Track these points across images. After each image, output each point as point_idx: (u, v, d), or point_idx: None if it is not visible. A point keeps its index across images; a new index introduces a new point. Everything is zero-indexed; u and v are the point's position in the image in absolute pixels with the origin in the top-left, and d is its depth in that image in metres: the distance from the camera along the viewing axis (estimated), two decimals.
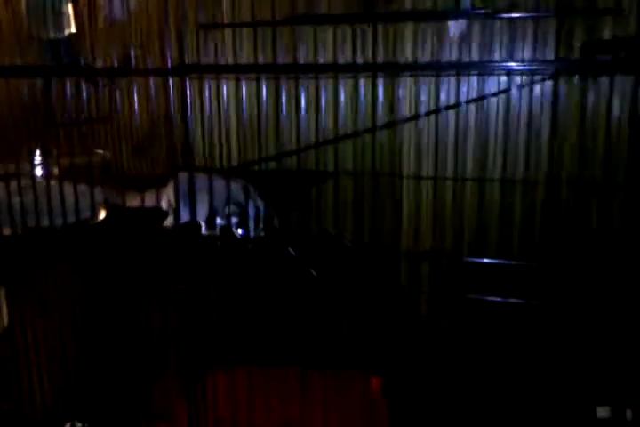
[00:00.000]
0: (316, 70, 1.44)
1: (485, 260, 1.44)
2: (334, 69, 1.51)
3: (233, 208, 1.37)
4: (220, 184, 1.37)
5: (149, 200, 1.48)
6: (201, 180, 1.29)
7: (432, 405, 1.72)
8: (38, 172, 1.32)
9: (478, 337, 1.76)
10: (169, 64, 1.05)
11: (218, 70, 1.17)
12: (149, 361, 1.77)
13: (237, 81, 1.56)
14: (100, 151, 1.52)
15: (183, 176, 1.44)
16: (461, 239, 1.80)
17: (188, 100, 1.11)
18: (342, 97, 1.74)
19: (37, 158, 1.46)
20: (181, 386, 1.55)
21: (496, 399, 1.69)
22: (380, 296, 1.81)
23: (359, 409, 1.46)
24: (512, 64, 1.11)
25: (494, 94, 1.73)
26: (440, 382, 1.76)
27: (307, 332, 1.73)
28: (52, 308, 1.60)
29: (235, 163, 1.84)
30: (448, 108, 1.80)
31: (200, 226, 1.43)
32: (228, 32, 1.77)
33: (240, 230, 1.39)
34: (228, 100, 1.34)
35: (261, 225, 1.40)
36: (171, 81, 1.05)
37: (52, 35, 1.68)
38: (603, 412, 1.57)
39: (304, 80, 1.49)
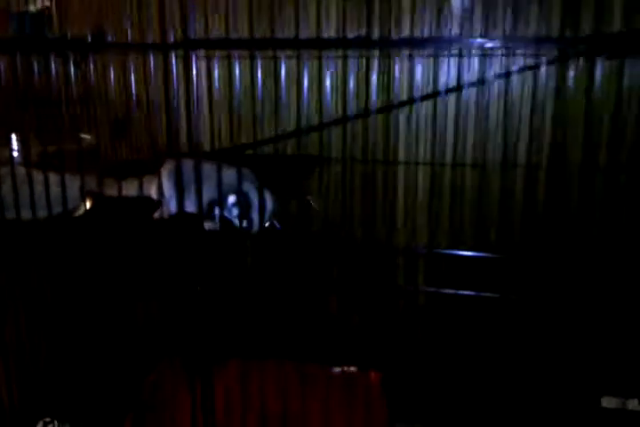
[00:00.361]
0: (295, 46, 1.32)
1: (461, 252, 1.38)
2: (318, 46, 1.39)
3: (235, 199, 1.25)
4: (223, 172, 1.25)
5: (143, 189, 1.35)
6: (189, 167, 1.17)
7: (431, 398, 1.70)
8: (15, 158, 1.18)
9: (475, 330, 1.72)
10: (171, 38, 0.92)
11: (225, 46, 1.04)
12: (137, 354, 1.66)
13: (229, 59, 1.44)
14: (85, 136, 1.38)
15: (171, 164, 1.32)
16: (461, 229, 1.73)
17: (194, 78, 0.99)
18: (328, 78, 1.65)
19: (14, 143, 1.32)
20: (184, 378, 1.43)
21: (498, 392, 1.67)
22: (375, 292, 1.73)
23: (358, 402, 1.43)
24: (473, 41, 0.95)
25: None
26: (438, 375, 1.73)
27: (305, 326, 1.65)
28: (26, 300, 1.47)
29: (225, 147, 1.75)
30: (448, 91, 1.71)
31: (200, 217, 1.31)
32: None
33: (244, 223, 1.27)
34: (219, 80, 1.25)
35: (268, 218, 1.28)
36: (174, 57, 0.92)
37: (21, 7, 1.54)
38: (607, 402, 1.58)
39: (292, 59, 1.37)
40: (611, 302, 1.46)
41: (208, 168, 1.23)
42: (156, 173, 1.39)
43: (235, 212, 1.26)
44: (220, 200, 1.23)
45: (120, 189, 1.35)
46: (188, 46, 1.17)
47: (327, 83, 1.62)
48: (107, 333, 1.66)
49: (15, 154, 1.25)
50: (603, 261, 1.48)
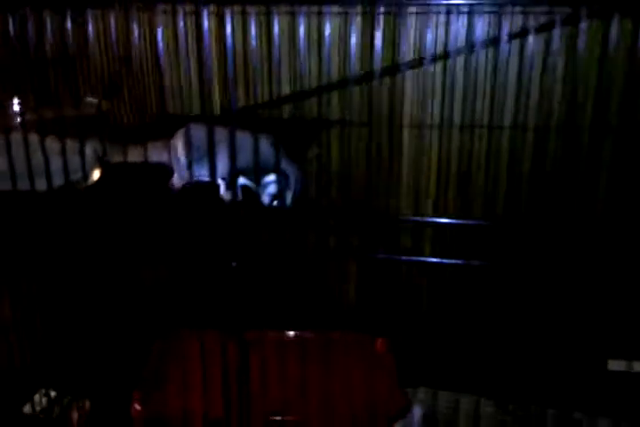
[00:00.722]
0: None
1: (444, 220, 1.35)
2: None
3: (275, 178, 1.16)
4: (245, 139, 1.14)
5: (153, 155, 1.24)
6: (219, 132, 1.06)
7: (432, 360, 1.67)
8: (14, 123, 1.06)
9: (479, 293, 1.64)
10: None
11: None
12: (142, 325, 1.59)
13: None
14: (91, 99, 1.27)
15: (195, 128, 1.21)
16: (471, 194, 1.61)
17: (205, 36, 0.87)
18: (328, 37, 1.50)
19: (14, 107, 1.21)
20: (190, 348, 1.36)
21: (503, 356, 1.64)
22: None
23: (366, 367, 1.43)
24: None
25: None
26: (440, 338, 1.69)
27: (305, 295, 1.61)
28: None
29: (217, 109, 1.61)
30: (459, 52, 1.57)
31: (217, 186, 1.20)
32: None
33: (275, 202, 1.17)
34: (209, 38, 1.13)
35: (295, 194, 1.18)
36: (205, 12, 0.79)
37: None
38: (614, 365, 1.57)
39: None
40: (617, 266, 1.38)
41: (237, 135, 1.12)
42: (168, 137, 1.28)
43: (271, 189, 1.17)
44: (257, 173, 1.13)
45: (128, 155, 1.25)
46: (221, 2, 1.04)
47: (327, 41, 1.49)
48: (111, 303, 1.57)
49: (17, 119, 1.13)
50: (610, 223, 1.45)
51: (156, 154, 1.27)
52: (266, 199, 1.21)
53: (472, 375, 1.66)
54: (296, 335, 1.51)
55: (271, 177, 1.18)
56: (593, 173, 1.52)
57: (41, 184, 1.02)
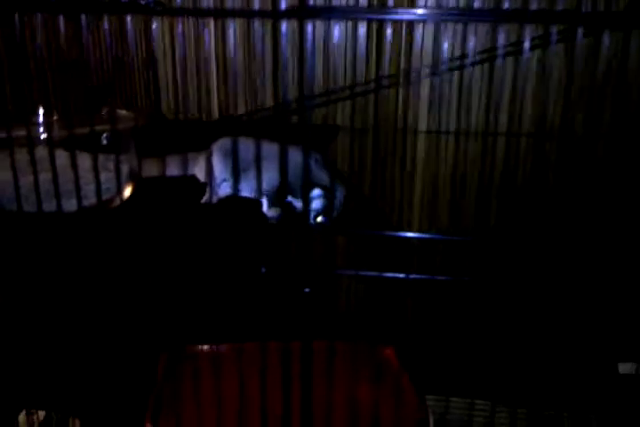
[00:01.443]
0: None
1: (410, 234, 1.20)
2: None
3: (322, 193, 1.05)
4: (290, 153, 1.04)
5: (179, 169, 1.15)
6: (266, 147, 0.96)
7: (438, 367, 1.61)
8: (39, 137, 0.97)
9: (484, 297, 1.60)
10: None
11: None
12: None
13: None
14: (126, 112, 1.17)
15: (233, 141, 1.11)
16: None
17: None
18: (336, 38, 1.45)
19: (39, 119, 1.12)
20: (202, 364, 1.23)
21: (512, 360, 1.59)
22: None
23: (376, 378, 1.30)
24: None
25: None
26: (446, 344, 1.65)
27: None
28: None
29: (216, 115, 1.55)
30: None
31: (259, 202, 1.10)
32: None
33: (322, 218, 1.06)
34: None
35: (338, 211, 1.08)
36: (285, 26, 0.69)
37: None
38: (624, 368, 1.55)
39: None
40: (624, 269, 1.31)
41: (273, 149, 1.03)
42: (202, 151, 1.19)
43: (316, 205, 1.06)
44: (305, 189, 1.02)
45: (163, 169, 1.15)
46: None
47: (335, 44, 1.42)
48: (112, 313, 1.47)
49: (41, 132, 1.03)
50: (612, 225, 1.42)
51: (183, 168, 1.18)
52: (310, 215, 1.10)
53: (483, 381, 1.60)
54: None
55: (316, 191, 1.07)
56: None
57: (68, 205, 0.93)
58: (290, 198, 1.10)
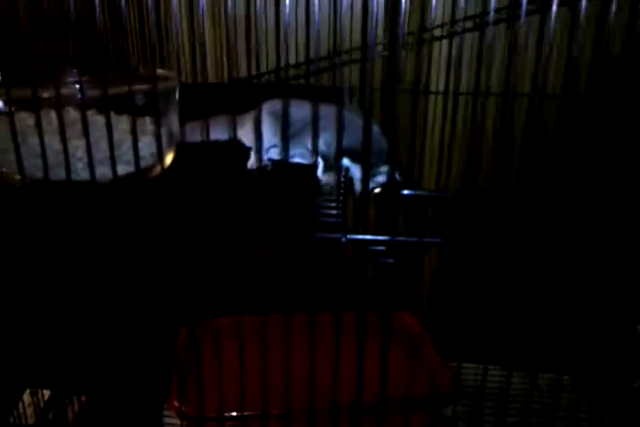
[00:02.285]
0: None
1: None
2: None
3: (384, 167, 0.93)
4: (351, 118, 0.92)
5: (238, 132, 1.04)
6: (323, 108, 0.84)
7: (460, 333, 1.57)
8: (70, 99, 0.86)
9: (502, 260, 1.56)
10: None
11: None
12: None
13: None
14: (164, 71, 1.05)
15: (284, 102, 1.00)
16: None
17: None
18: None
19: (72, 79, 1.01)
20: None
21: (530, 321, 1.56)
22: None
23: (401, 346, 1.29)
24: None
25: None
26: (465, 310, 1.62)
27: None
28: None
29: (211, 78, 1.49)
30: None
31: (314, 166, 0.99)
32: None
33: (378, 189, 0.95)
34: None
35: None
36: None
37: None
38: None
39: None
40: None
41: (330, 110, 0.91)
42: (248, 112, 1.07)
43: (380, 178, 0.94)
44: (366, 157, 0.90)
45: (206, 133, 1.04)
46: None
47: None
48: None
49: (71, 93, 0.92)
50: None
51: (228, 131, 1.07)
52: (371, 185, 0.99)
53: (496, 346, 1.58)
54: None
55: (384, 168, 0.95)
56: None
57: (101, 174, 0.83)
58: (348, 163, 0.98)
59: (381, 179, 0.94)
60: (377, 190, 0.98)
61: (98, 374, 1.31)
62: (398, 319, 1.36)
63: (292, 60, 1.49)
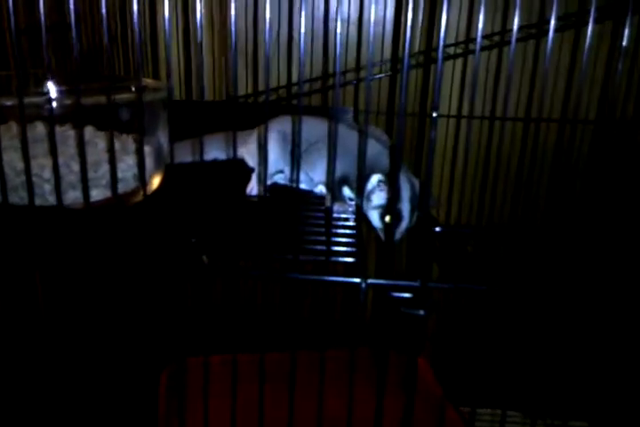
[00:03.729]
0: None
1: None
2: None
3: (382, 179, 0.78)
4: (349, 136, 0.80)
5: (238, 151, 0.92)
6: (316, 127, 0.72)
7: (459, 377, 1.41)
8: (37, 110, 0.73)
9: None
10: None
11: None
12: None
13: None
14: (150, 80, 0.93)
15: (288, 120, 0.88)
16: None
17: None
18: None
19: (49, 90, 0.89)
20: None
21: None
22: None
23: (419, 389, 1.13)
24: None
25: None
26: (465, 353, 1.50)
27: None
28: None
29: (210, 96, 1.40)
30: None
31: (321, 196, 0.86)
32: None
33: (386, 218, 0.79)
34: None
35: (414, 213, 0.79)
36: None
37: None
38: None
39: None
40: None
41: (342, 134, 0.79)
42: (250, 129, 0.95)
43: (377, 199, 0.79)
44: (359, 178, 0.77)
45: (200, 152, 0.92)
46: None
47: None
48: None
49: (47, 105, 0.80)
50: None
51: (227, 150, 0.95)
52: (373, 215, 0.82)
53: (510, 392, 1.45)
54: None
55: (374, 179, 0.79)
56: None
57: (72, 200, 0.70)
58: (345, 191, 0.84)
59: (380, 200, 0.78)
60: (387, 219, 0.82)
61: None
62: (410, 363, 1.23)
63: (304, 77, 1.40)
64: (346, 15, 1.35)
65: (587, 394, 1.48)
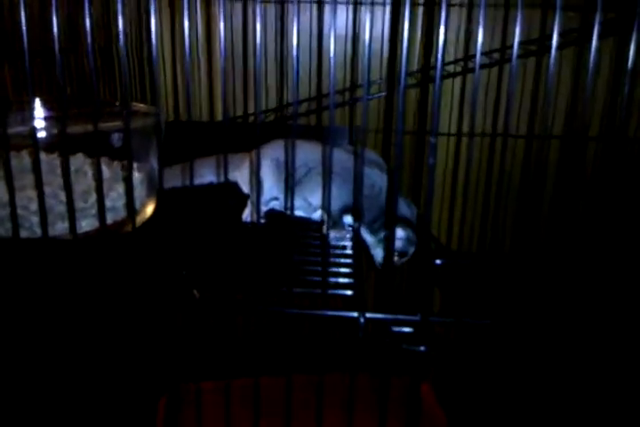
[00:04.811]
0: None
1: None
2: None
3: (401, 232, 0.77)
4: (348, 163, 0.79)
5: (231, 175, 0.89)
6: (314, 152, 0.71)
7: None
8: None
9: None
10: None
11: None
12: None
13: None
14: (143, 106, 0.91)
15: (280, 148, 0.86)
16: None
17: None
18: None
19: (37, 115, 0.88)
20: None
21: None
22: None
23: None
24: None
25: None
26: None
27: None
28: None
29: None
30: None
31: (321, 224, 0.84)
32: None
33: (398, 259, 0.78)
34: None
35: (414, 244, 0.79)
36: None
37: None
38: None
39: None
40: None
41: (339, 158, 0.77)
42: (246, 153, 0.93)
43: (397, 246, 0.78)
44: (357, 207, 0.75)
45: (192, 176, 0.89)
46: None
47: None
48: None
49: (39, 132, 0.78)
50: None
51: (220, 175, 0.93)
52: (377, 251, 0.82)
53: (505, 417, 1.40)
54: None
55: (400, 233, 0.79)
56: None
57: (63, 229, 0.67)
58: (350, 222, 0.82)
59: (398, 246, 0.78)
60: (395, 259, 0.81)
61: None
62: (412, 388, 1.20)
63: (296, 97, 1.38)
64: (342, 32, 1.33)
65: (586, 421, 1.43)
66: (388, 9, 1.33)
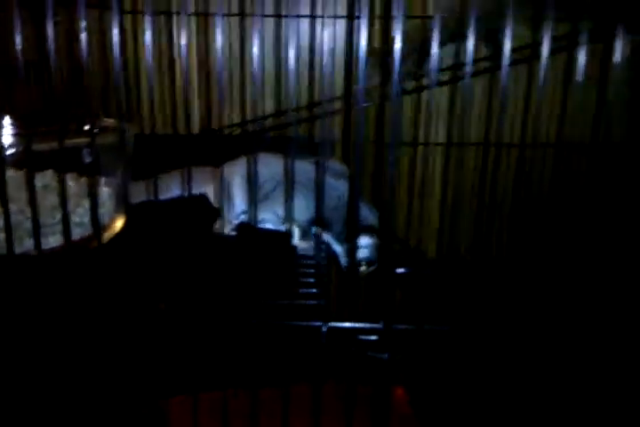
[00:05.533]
0: None
1: None
2: None
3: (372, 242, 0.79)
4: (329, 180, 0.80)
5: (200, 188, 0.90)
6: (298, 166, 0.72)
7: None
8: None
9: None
10: None
11: None
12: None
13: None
14: (112, 120, 0.91)
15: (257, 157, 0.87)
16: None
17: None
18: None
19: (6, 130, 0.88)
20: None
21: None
22: None
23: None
24: None
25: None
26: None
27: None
28: None
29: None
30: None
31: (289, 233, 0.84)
32: None
33: (366, 268, 0.80)
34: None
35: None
36: None
37: None
38: None
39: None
40: None
41: (306, 170, 0.78)
42: (215, 167, 0.94)
43: (363, 254, 0.79)
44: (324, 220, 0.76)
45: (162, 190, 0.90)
46: None
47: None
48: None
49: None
50: None
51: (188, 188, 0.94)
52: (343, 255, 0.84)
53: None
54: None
55: (365, 240, 0.80)
56: None
57: (31, 245, 0.68)
58: (325, 237, 0.84)
59: (364, 254, 0.79)
60: (363, 268, 0.82)
61: None
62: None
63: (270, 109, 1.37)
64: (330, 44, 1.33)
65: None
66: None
